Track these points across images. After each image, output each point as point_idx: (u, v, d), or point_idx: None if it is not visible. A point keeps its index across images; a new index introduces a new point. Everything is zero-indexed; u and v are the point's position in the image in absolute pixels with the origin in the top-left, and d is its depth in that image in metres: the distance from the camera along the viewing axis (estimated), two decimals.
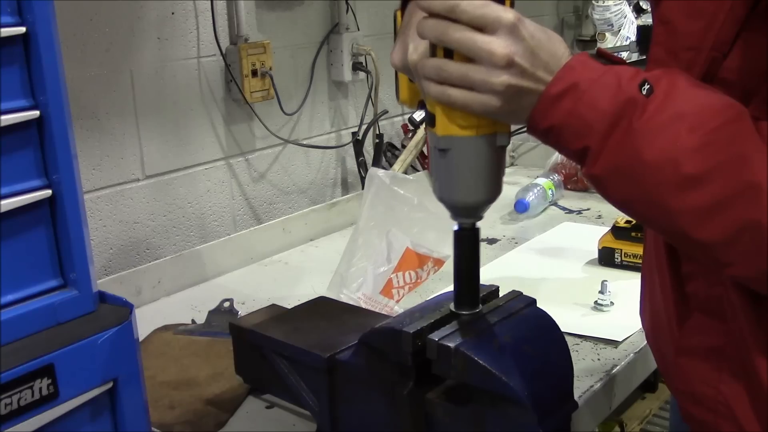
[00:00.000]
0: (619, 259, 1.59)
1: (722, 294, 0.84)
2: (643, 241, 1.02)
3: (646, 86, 0.74)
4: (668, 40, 0.83)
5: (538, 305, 0.98)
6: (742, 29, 0.77)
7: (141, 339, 1.09)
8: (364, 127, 2.13)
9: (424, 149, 2.17)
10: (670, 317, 0.92)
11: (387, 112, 2.22)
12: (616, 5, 2.80)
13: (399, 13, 0.91)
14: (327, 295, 1.34)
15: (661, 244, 0.91)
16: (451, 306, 0.93)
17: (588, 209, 2.03)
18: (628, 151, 0.74)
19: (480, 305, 0.93)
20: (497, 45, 0.75)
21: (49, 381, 0.80)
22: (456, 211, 0.87)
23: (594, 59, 0.78)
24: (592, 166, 0.77)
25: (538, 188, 2.01)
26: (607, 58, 0.79)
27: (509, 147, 2.38)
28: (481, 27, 0.75)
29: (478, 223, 0.88)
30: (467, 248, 0.89)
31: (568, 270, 1.63)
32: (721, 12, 0.78)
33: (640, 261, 0.97)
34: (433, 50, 0.80)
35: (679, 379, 0.92)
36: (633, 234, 1.57)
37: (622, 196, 0.78)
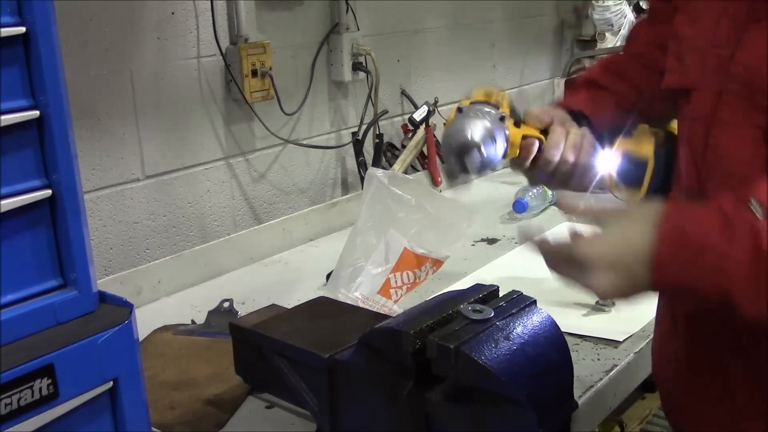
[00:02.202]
0: None
1: (733, 332, 0.84)
2: None
3: (758, 208, 0.74)
4: (676, 48, 0.87)
5: (538, 305, 0.98)
6: (747, 23, 0.79)
7: (141, 339, 1.09)
8: (364, 127, 2.13)
9: (424, 149, 2.17)
10: (679, 357, 0.92)
11: (387, 112, 2.21)
12: (616, 5, 2.80)
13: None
14: (325, 295, 1.34)
15: None
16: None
17: None
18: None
19: None
20: (594, 285, 0.82)
21: (49, 381, 0.80)
22: None
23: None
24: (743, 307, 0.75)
25: (538, 188, 2.00)
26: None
27: None
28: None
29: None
30: None
31: None
32: (714, 11, 0.80)
33: None
34: None
35: (686, 420, 0.92)
36: None
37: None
